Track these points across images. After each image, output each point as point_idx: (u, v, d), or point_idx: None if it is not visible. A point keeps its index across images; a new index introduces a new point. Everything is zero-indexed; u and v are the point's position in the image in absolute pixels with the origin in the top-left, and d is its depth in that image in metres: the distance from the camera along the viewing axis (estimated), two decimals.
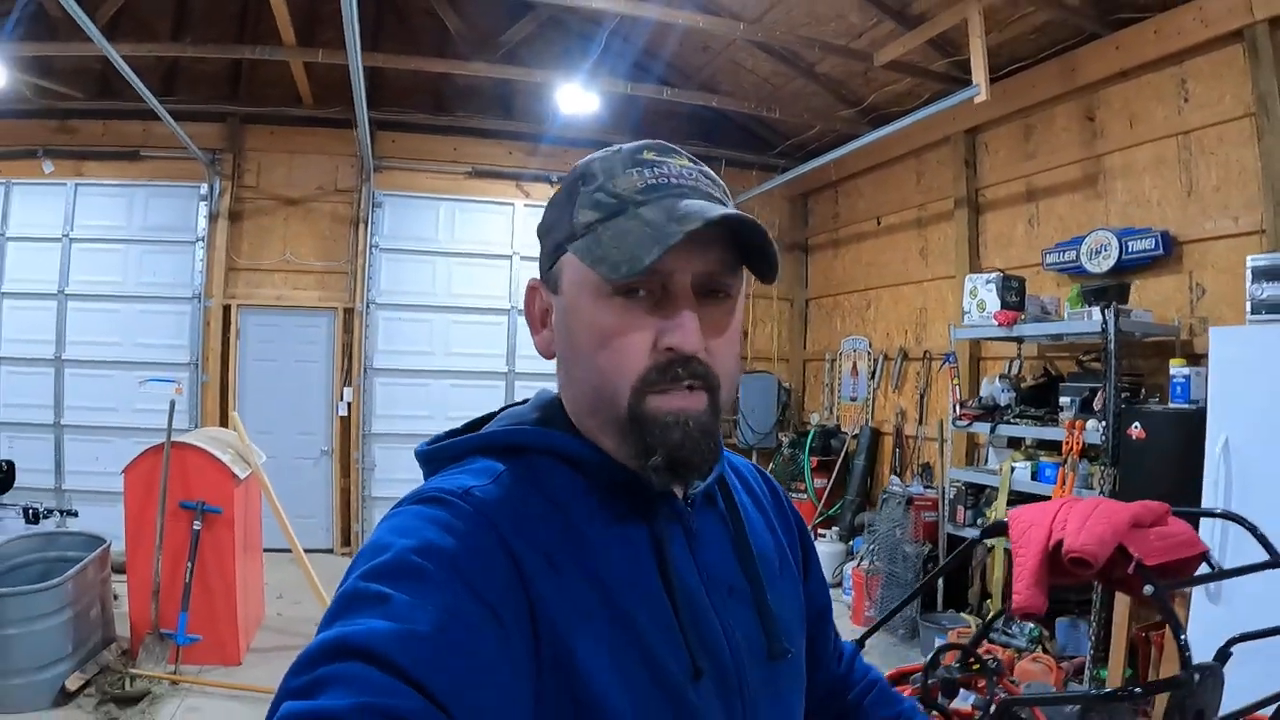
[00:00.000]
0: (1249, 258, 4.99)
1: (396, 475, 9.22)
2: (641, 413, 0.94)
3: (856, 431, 8.73)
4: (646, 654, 0.90)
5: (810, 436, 9.06)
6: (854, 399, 8.99)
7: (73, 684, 5.21)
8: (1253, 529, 3.79)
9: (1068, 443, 5.78)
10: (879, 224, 8.95)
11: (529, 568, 0.86)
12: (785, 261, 10.35)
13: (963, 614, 6.64)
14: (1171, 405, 5.22)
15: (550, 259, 1.03)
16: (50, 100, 8.60)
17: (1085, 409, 5.74)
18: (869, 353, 8.89)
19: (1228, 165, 5.58)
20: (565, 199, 1.02)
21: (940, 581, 6.76)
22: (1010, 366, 6.96)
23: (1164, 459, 5.10)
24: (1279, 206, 5.16)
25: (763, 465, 8.85)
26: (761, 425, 9.72)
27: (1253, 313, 4.81)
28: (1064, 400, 5.93)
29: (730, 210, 0.92)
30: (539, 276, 1.07)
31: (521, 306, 1.29)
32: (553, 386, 1.10)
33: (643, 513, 1.00)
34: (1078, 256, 6.26)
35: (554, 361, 1.06)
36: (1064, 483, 5.80)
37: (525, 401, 1.12)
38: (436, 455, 1.04)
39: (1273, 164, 5.21)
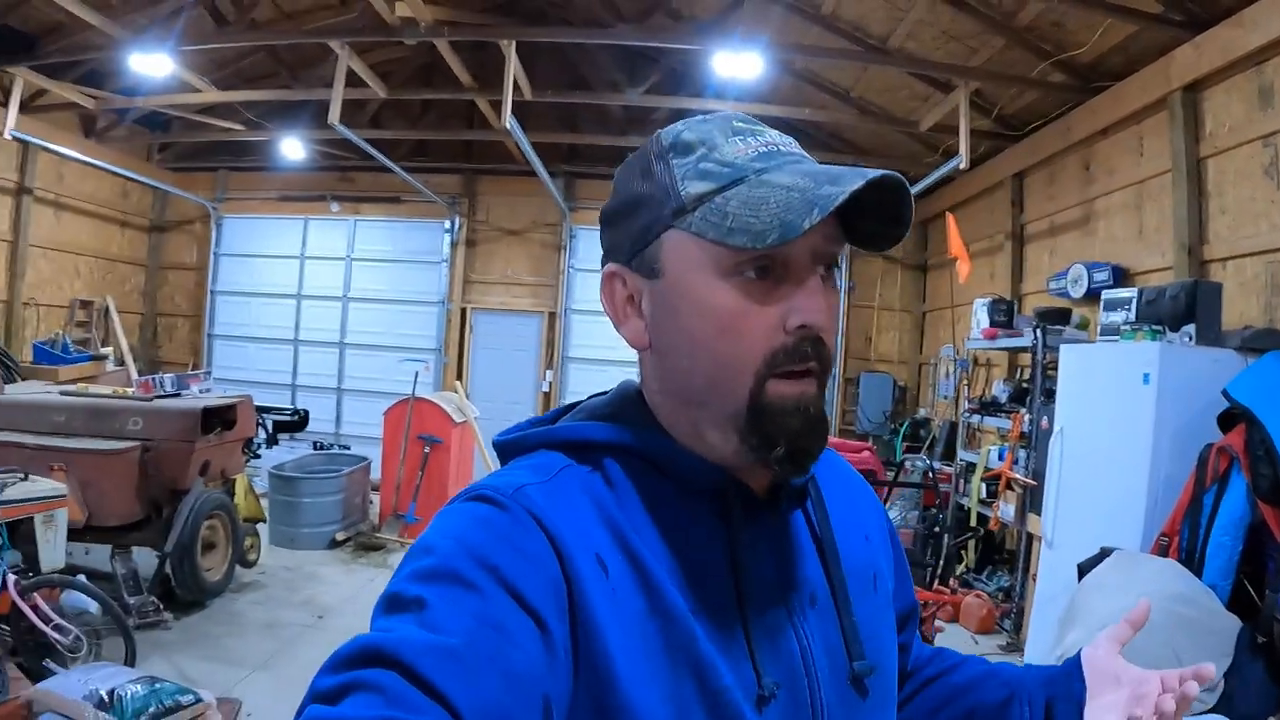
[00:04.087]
0: (1104, 293, 6.06)
1: None
2: (762, 403, 0.84)
3: (941, 423, 9.92)
4: (700, 665, 0.81)
5: (905, 425, 10.27)
6: (946, 396, 10.15)
7: (340, 536, 8.15)
8: None
9: (1012, 431, 6.99)
10: (968, 250, 9.89)
11: (576, 568, 0.79)
12: (906, 279, 11.60)
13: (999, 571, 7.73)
14: None
15: (639, 240, 0.90)
16: (336, 160, 11.48)
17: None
18: (952, 358, 10.00)
19: (1163, 211, 6.29)
20: (651, 172, 0.90)
21: (975, 544, 7.93)
22: (1020, 371, 8.08)
23: None
24: (1180, 247, 5.91)
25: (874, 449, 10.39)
26: (875, 417, 11.00)
27: (1101, 334, 5.91)
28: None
29: (889, 171, 0.80)
30: (617, 262, 0.93)
31: None
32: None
33: (717, 512, 0.89)
34: (1065, 285, 7.19)
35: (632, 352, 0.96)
36: (1011, 462, 6.99)
37: (607, 392, 1.01)
38: (510, 447, 0.97)
39: (1179, 210, 5.94)
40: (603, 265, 0.96)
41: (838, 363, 11.51)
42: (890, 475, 7.38)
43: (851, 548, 1.00)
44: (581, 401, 1.03)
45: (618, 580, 0.81)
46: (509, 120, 7.64)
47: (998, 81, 7.59)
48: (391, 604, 0.74)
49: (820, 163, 0.85)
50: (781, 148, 0.87)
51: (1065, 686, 1.03)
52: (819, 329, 0.84)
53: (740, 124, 0.89)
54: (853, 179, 0.77)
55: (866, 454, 6.08)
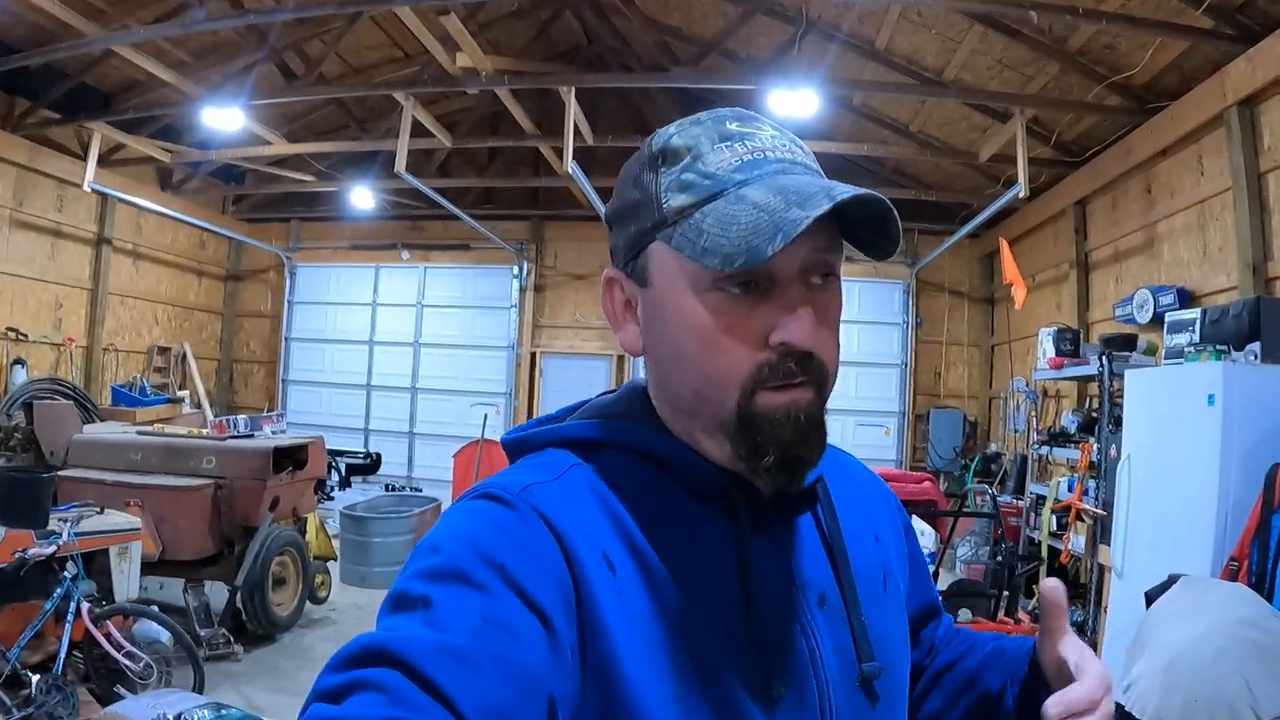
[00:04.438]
0: (1167, 315, 5.93)
1: None
2: (751, 413, 0.83)
3: (1012, 457, 9.72)
4: (706, 666, 0.80)
5: (975, 460, 10.10)
6: (1016, 430, 9.95)
7: None
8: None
9: (1081, 461, 6.83)
10: (1033, 280, 9.72)
11: (582, 567, 0.78)
12: (974, 312, 11.46)
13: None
14: None
15: (632, 248, 0.89)
16: (405, 209, 11.80)
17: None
18: (1023, 391, 9.81)
19: (1226, 229, 6.15)
20: (641, 180, 0.88)
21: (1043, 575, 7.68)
22: (1089, 401, 7.89)
23: None
24: (1245, 265, 5.75)
25: (944, 484, 10.22)
26: (946, 453, 10.85)
27: (1166, 357, 5.77)
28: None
29: (860, 190, 0.77)
30: (616, 266, 0.93)
31: None
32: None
33: (726, 513, 0.88)
34: (1131, 311, 6.97)
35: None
36: (1080, 493, 6.82)
37: (614, 390, 1.01)
38: (518, 445, 0.97)
39: (1242, 228, 5.80)
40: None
41: (907, 400, 11.42)
42: (953, 506, 7.24)
43: (861, 548, 0.98)
44: (589, 400, 1.02)
45: (625, 579, 0.81)
46: (571, 166, 7.81)
47: (1054, 107, 7.54)
48: (397, 603, 0.73)
49: (872, 188, 0.81)
50: (769, 153, 0.84)
51: (1028, 681, 0.98)
52: (803, 346, 0.82)
53: (734, 125, 0.87)
54: (819, 202, 0.75)
55: (927, 484, 5.98)
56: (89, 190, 9.24)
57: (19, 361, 8.90)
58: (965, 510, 7.19)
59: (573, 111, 7.74)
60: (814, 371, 0.83)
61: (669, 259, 0.85)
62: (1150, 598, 4.38)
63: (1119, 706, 4.07)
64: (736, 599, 0.84)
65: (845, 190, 0.77)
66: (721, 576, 0.85)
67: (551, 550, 0.78)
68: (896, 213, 0.81)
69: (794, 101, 7.61)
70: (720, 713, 0.79)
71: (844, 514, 0.97)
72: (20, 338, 9.08)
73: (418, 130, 8.30)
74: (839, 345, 0.88)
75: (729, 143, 0.84)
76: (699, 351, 0.83)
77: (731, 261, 0.77)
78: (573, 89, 7.75)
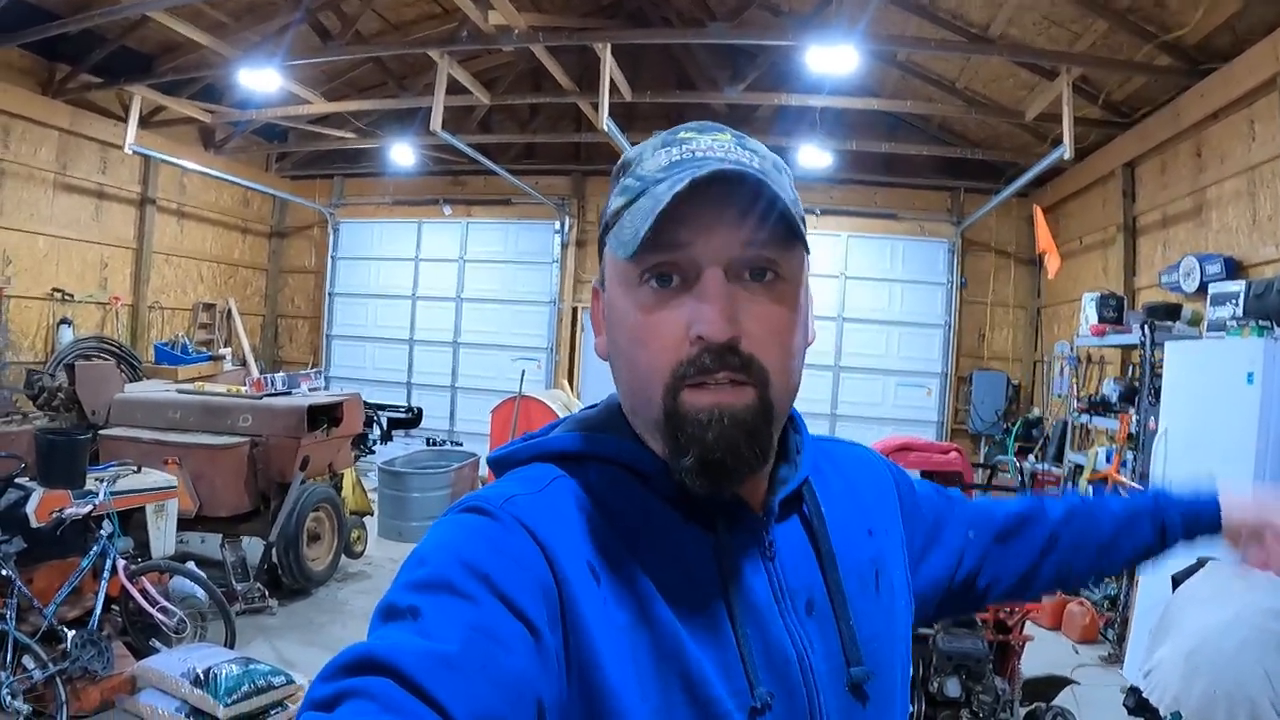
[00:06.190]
0: (1211, 286, 5.75)
1: None
2: (675, 411, 0.82)
3: (1054, 423, 9.53)
4: (689, 675, 0.80)
5: (1017, 425, 9.93)
6: (1060, 395, 9.76)
7: None
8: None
9: (1120, 432, 6.70)
10: (1080, 243, 9.55)
11: (566, 576, 0.79)
12: (1020, 274, 11.22)
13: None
14: None
15: (599, 257, 0.93)
16: (447, 165, 11.78)
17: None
18: (1064, 356, 9.58)
19: (1277, 198, 5.93)
20: (610, 191, 0.91)
21: None
22: (1131, 370, 7.71)
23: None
24: None
25: (985, 448, 10.10)
26: (988, 416, 10.70)
27: (1209, 330, 5.62)
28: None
29: (723, 166, 0.79)
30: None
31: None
32: None
33: (707, 522, 0.87)
34: (1177, 279, 6.77)
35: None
36: (1118, 465, 6.69)
37: (596, 406, 1.00)
38: (503, 461, 0.97)
39: None
40: None
41: (949, 361, 11.22)
42: (981, 477, 7.16)
43: (851, 547, 0.96)
44: (572, 415, 1.02)
45: (608, 590, 0.81)
46: (606, 122, 7.72)
47: (1102, 66, 7.28)
48: (387, 614, 0.74)
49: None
50: (701, 154, 0.84)
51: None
52: (714, 338, 0.80)
53: (687, 134, 0.88)
54: (681, 182, 0.78)
55: (954, 455, 5.86)
56: (130, 152, 9.33)
57: (65, 321, 9.11)
58: (994, 484, 7.08)
59: (609, 68, 7.62)
60: (739, 369, 0.82)
61: (609, 259, 0.89)
62: (1177, 580, 4.29)
63: (1138, 692, 4.02)
64: (719, 607, 0.84)
65: (708, 169, 0.78)
66: (704, 585, 0.84)
67: (536, 560, 0.78)
68: (778, 195, 0.80)
69: (833, 57, 7.43)
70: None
71: (833, 513, 0.96)
72: (66, 298, 9.26)
73: (455, 87, 8.24)
74: (789, 347, 0.86)
75: (668, 148, 0.86)
76: (629, 347, 0.86)
77: (628, 248, 0.80)
78: (608, 45, 7.62)
